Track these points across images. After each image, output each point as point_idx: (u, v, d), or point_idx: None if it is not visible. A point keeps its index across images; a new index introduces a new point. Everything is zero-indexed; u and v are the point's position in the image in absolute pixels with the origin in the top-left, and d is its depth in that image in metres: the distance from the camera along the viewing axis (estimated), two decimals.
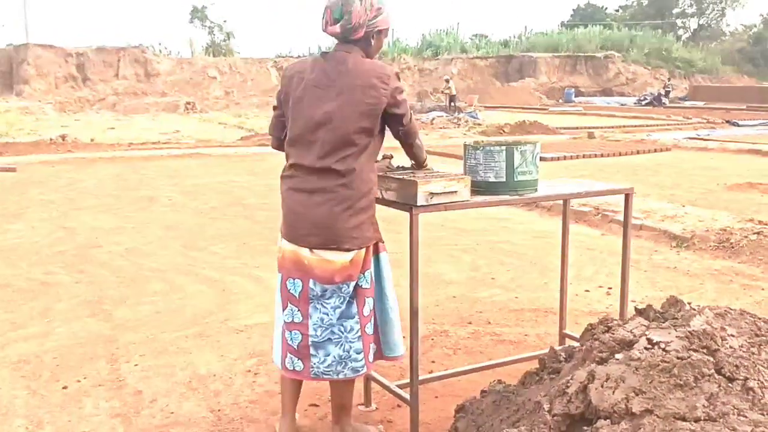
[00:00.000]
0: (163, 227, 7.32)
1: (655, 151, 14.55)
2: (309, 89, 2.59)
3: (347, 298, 2.64)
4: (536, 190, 3.13)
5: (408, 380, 3.03)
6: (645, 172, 11.43)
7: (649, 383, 1.97)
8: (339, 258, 2.58)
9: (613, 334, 2.37)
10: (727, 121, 22.86)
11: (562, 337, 3.85)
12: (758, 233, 6.09)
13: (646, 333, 2.23)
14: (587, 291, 5.13)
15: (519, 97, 36.53)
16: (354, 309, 2.66)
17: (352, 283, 2.64)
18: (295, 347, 2.67)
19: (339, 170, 2.54)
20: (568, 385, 2.08)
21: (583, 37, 48.30)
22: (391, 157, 3.02)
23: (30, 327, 4.33)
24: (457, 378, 3.45)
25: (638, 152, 14.22)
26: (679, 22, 67.59)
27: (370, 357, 2.73)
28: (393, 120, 2.65)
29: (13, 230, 7.17)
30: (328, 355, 2.64)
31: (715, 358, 2.03)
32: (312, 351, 2.64)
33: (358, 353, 2.66)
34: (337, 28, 2.57)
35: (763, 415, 1.82)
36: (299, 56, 44.00)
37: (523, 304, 4.84)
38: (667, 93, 35.40)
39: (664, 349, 2.10)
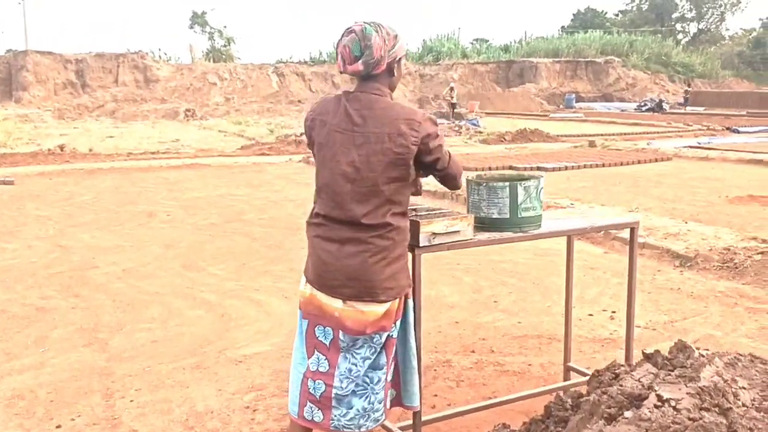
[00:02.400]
0: (162, 245, 7.25)
1: (656, 160, 14.49)
2: (332, 135, 2.45)
3: (378, 349, 2.53)
4: (540, 225, 3.07)
5: (410, 422, 2.97)
6: (647, 184, 11.37)
7: None
8: (373, 309, 2.47)
9: (621, 384, 2.30)
10: (727, 128, 22.81)
11: (567, 370, 3.78)
12: (762, 253, 6.02)
13: (656, 387, 2.16)
14: (590, 315, 5.05)
15: (519, 102, 36.50)
16: (383, 360, 2.55)
17: (385, 334, 2.53)
18: (317, 397, 2.55)
19: (371, 224, 2.43)
20: None
21: (583, 42, 48.32)
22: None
23: (24, 357, 4.25)
24: (460, 415, 3.37)
25: (639, 162, 14.15)
26: (678, 26, 67.68)
27: (387, 403, 2.63)
28: (427, 167, 2.52)
29: (9, 249, 7.10)
30: (351, 408, 2.53)
31: (728, 419, 1.96)
32: (334, 403, 2.52)
33: (380, 403, 2.57)
34: (359, 65, 2.41)
35: None
36: (300, 62, 44.03)
37: (526, 329, 4.77)
38: (686, 100, 35.43)
39: (674, 408, 2.03)
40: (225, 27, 49.42)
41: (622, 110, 34.72)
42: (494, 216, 3.00)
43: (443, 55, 45.59)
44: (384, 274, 2.45)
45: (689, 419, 1.95)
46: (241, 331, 4.73)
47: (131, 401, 3.65)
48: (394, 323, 2.55)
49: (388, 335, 2.55)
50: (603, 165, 13.61)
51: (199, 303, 5.34)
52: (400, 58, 2.52)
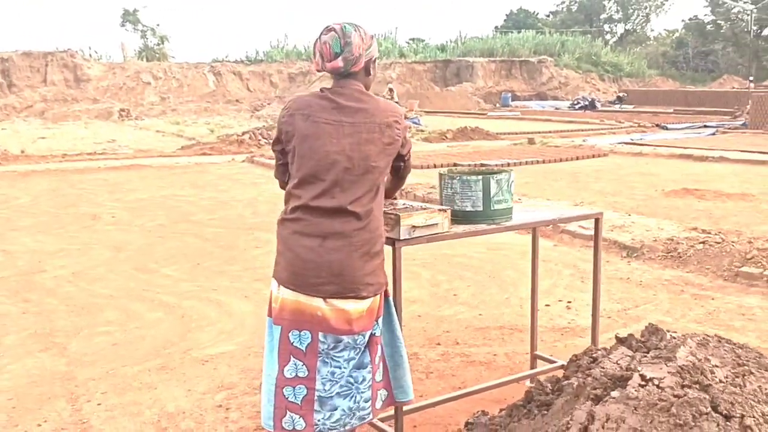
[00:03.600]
0: (110, 248, 7.06)
1: (594, 156, 14.94)
2: (319, 126, 2.42)
3: (362, 349, 2.50)
4: (511, 217, 3.16)
5: (391, 413, 3.01)
6: (586, 179, 11.72)
7: (649, 423, 2.00)
8: (356, 307, 2.44)
9: (603, 367, 2.39)
10: (657, 125, 23.69)
11: (534, 358, 3.88)
12: (703, 242, 6.31)
13: (638, 368, 2.26)
14: (547, 305, 5.19)
15: (457, 101, 36.96)
16: (367, 358, 2.52)
17: (368, 333, 2.50)
18: (299, 403, 2.45)
19: (357, 212, 2.42)
20: (569, 426, 2.09)
21: (516, 42, 49.31)
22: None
23: None
24: (434, 406, 3.43)
25: (577, 158, 14.56)
26: (606, 27, 69.85)
27: (378, 404, 2.61)
28: (400, 158, 2.63)
29: None
30: (335, 409, 2.47)
31: (710, 395, 2.07)
32: (317, 407, 2.46)
33: (367, 402, 2.54)
34: (339, 62, 2.42)
35: None
36: (236, 61, 43.39)
37: (487, 321, 4.87)
38: (620, 99, 36.60)
39: (658, 386, 2.13)
40: (158, 25, 48.22)
41: (557, 108, 35.61)
42: (468, 209, 3.07)
43: (381, 54, 45.75)
44: (366, 269, 2.44)
45: (674, 396, 2.06)
46: (203, 332, 4.66)
47: (98, 405, 3.57)
48: (377, 321, 2.53)
49: (372, 333, 2.52)
50: (543, 161, 13.95)
51: (157, 305, 5.23)
52: (375, 59, 2.54)
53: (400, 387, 2.70)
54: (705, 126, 23.06)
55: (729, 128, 22.09)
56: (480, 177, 3.05)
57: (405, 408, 3.24)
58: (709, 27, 61.91)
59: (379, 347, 2.59)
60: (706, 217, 8.16)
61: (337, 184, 2.41)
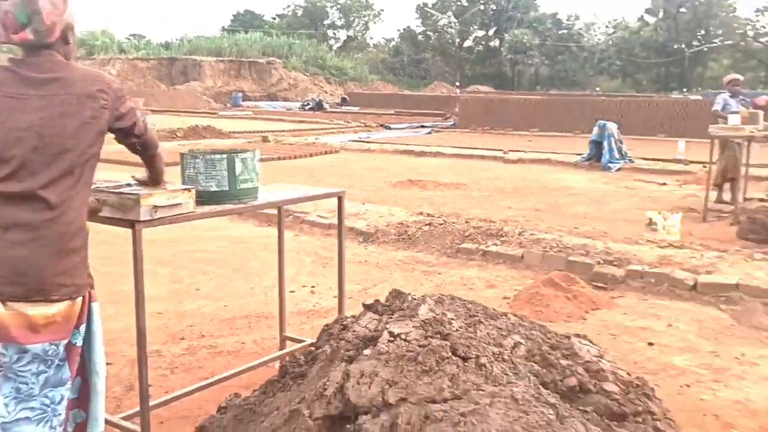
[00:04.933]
0: None
1: (326, 153, 15.52)
2: (2, 101, 2.08)
3: (55, 362, 2.12)
4: (257, 197, 3.14)
5: (135, 410, 2.81)
6: (321, 173, 12.13)
7: (399, 373, 2.12)
8: (43, 311, 2.06)
9: (354, 331, 2.49)
10: (381, 125, 25.37)
11: (283, 340, 3.91)
12: (429, 224, 6.90)
13: (387, 326, 2.39)
14: (292, 291, 5.26)
15: (186, 100, 35.83)
16: (66, 374, 2.15)
17: (63, 343, 2.12)
18: None
19: (49, 200, 2.05)
20: (326, 387, 2.13)
21: (245, 43, 49.24)
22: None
23: None
24: (179, 400, 3.28)
25: (311, 155, 15.01)
26: (330, 32, 73.02)
27: (70, 427, 2.24)
28: (123, 133, 2.25)
29: None
30: None
31: (449, 341, 2.26)
32: None
33: (61, 426, 2.18)
34: (28, 33, 2.08)
35: (496, 386, 2.08)
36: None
37: (233, 312, 4.79)
38: (344, 100, 38.35)
39: (405, 339, 2.28)
40: None
41: (288, 109, 36.31)
42: (213, 189, 2.98)
43: (97, 50, 42.61)
44: (58, 268, 2.08)
45: (420, 346, 2.21)
46: None
47: None
48: (77, 328, 2.17)
49: (71, 342, 2.16)
50: (279, 158, 14.14)
51: None
52: (72, 26, 2.22)
53: (90, 416, 2.29)
54: (422, 126, 25.23)
55: (442, 128, 24.46)
56: (224, 156, 2.98)
57: (151, 403, 3.06)
58: (420, 37, 67.87)
59: (79, 359, 2.22)
60: (428, 204, 8.94)
61: (24, 166, 2.06)
